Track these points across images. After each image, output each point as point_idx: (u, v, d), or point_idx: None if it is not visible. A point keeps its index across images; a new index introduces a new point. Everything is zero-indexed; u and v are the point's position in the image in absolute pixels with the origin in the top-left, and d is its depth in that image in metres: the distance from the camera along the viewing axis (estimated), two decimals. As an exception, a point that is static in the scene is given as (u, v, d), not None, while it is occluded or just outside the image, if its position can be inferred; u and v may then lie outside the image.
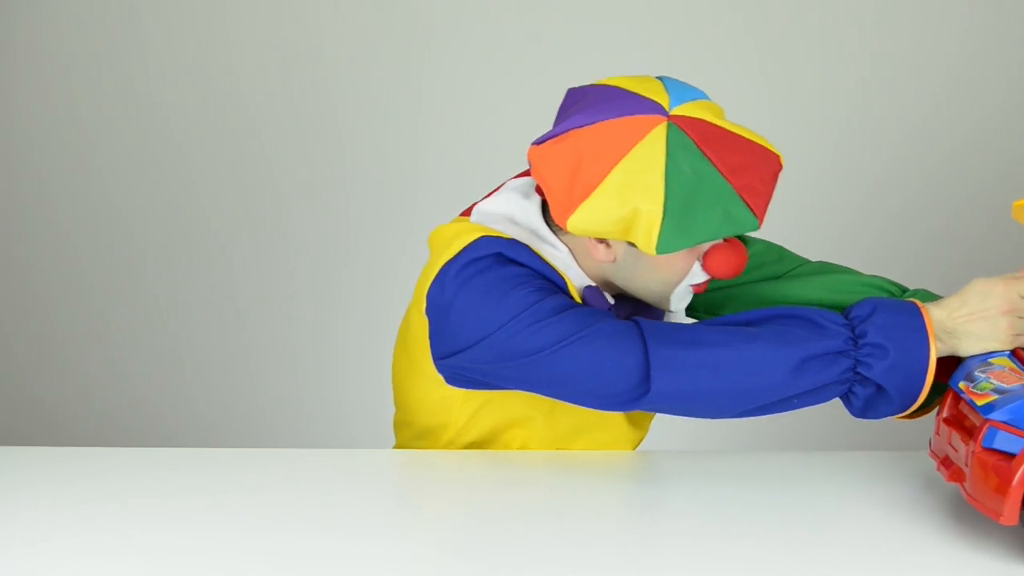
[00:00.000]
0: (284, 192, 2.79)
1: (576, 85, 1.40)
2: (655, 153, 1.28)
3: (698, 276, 1.35)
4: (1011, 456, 1.11)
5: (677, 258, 1.33)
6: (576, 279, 1.38)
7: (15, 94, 3.04)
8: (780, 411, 1.32)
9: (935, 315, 1.30)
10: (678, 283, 1.36)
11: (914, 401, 1.28)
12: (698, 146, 1.29)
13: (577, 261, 1.39)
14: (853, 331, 1.28)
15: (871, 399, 1.29)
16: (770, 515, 1.22)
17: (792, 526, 1.20)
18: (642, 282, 1.37)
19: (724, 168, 1.29)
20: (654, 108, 1.31)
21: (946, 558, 1.12)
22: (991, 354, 1.27)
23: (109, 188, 3.05)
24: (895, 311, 1.30)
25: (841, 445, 2.86)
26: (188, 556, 1.17)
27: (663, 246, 1.27)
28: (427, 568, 1.14)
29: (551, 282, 1.35)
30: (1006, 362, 1.24)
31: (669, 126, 1.30)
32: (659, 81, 1.36)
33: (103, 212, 3.04)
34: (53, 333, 3.14)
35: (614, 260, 1.36)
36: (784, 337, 1.28)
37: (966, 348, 1.29)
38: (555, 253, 1.38)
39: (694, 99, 1.34)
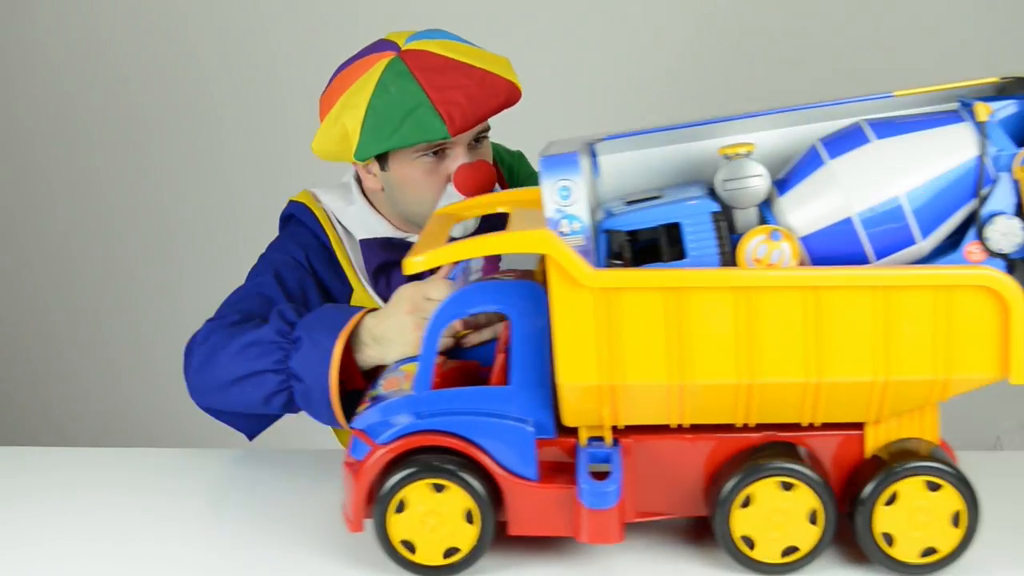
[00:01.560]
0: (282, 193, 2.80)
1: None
2: (370, 81, 1.44)
3: (453, 195, 1.44)
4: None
5: (419, 174, 1.45)
6: (364, 231, 1.52)
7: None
8: (236, 398, 1.37)
9: (367, 320, 1.32)
10: (435, 202, 1.45)
11: (327, 400, 1.30)
12: (411, 71, 1.43)
13: (378, 210, 1.53)
14: (292, 324, 1.34)
15: (305, 394, 1.32)
16: None
17: None
18: (406, 206, 1.49)
19: (428, 87, 1.41)
20: (388, 47, 1.48)
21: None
22: (409, 359, 1.25)
23: (106, 192, 3.03)
24: (336, 309, 1.36)
25: None
26: (188, 556, 1.17)
27: (360, 153, 1.43)
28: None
29: (318, 241, 1.52)
30: (412, 368, 1.21)
31: (392, 59, 1.45)
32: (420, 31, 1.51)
33: (102, 214, 3.02)
34: (53, 333, 3.13)
35: (381, 188, 1.50)
36: (247, 325, 1.38)
37: (390, 354, 1.29)
38: (348, 208, 1.54)
39: (433, 38, 1.49)
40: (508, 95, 1.46)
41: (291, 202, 1.57)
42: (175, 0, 2.94)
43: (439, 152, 1.45)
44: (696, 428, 1.11)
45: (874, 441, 1.10)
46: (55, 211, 3.07)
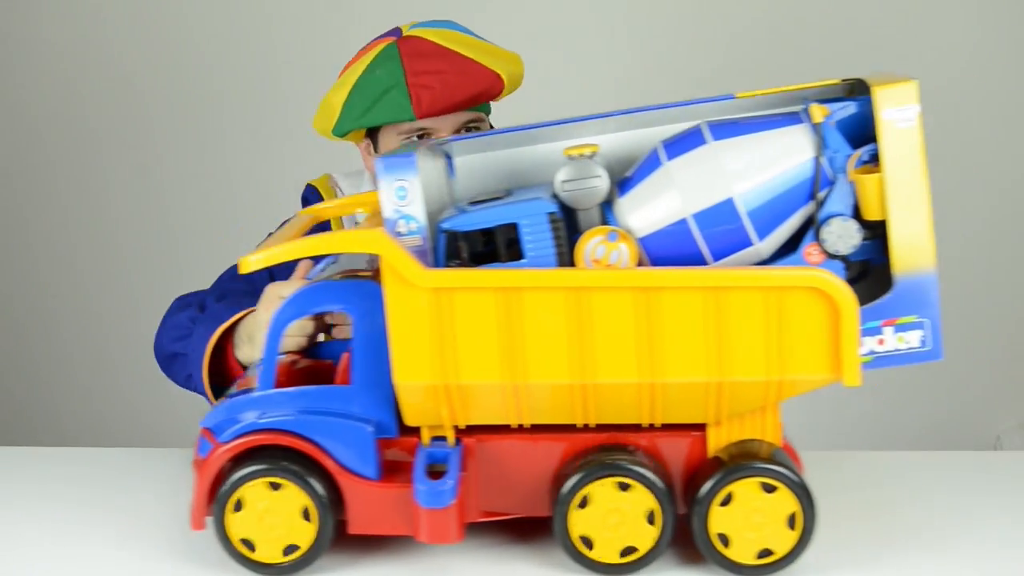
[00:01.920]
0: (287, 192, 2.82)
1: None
2: (364, 63, 1.50)
3: None
4: None
5: (391, 146, 1.51)
6: None
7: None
8: (175, 374, 1.47)
9: (246, 318, 1.35)
10: None
11: (203, 392, 1.37)
12: (400, 55, 1.48)
13: None
14: (202, 311, 1.42)
15: (197, 383, 1.38)
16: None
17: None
18: None
19: (409, 70, 1.47)
20: (393, 33, 1.54)
21: (948, 557, 1.12)
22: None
23: (109, 192, 3.05)
24: (235, 304, 1.40)
25: (841, 445, 2.88)
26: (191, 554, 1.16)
27: (336, 128, 1.51)
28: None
29: (322, 224, 1.52)
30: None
31: (389, 44, 1.50)
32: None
33: (104, 214, 3.04)
34: (54, 333, 3.14)
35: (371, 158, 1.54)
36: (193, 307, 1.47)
37: (257, 351, 1.30)
38: (362, 184, 1.60)
39: (436, 27, 1.53)
40: (488, 85, 1.48)
41: (307, 185, 1.65)
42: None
43: (423, 138, 1.48)
44: (539, 428, 1.12)
45: (715, 442, 1.10)
46: (56, 211, 3.09)
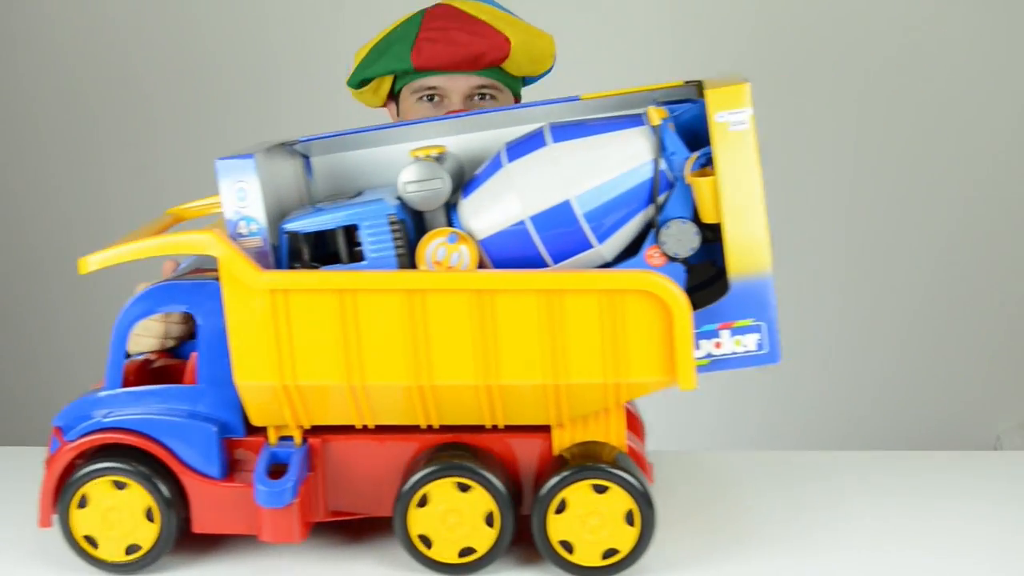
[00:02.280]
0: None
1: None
2: (393, 25, 1.54)
3: None
4: None
5: (407, 108, 1.54)
6: None
7: None
8: None
9: None
10: None
11: None
12: (423, 17, 1.52)
13: None
14: None
15: None
16: (771, 514, 1.22)
17: (792, 525, 1.20)
18: None
19: (423, 28, 1.50)
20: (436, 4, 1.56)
21: (948, 557, 1.12)
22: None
23: (110, 191, 3.07)
24: None
25: (841, 445, 2.89)
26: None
27: (351, 79, 1.55)
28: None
29: None
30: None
31: (423, 9, 1.53)
32: None
33: (106, 212, 3.05)
34: (55, 333, 3.15)
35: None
36: None
37: (136, 346, 1.27)
38: None
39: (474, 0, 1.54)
40: (492, 46, 1.48)
41: None
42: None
43: (435, 99, 1.51)
44: (387, 429, 1.12)
45: (560, 443, 1.11)
46: (57, 209, 3.11)
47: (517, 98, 1.61)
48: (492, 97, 1.54)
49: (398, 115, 1.59)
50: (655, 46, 2.99)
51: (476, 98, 1.52)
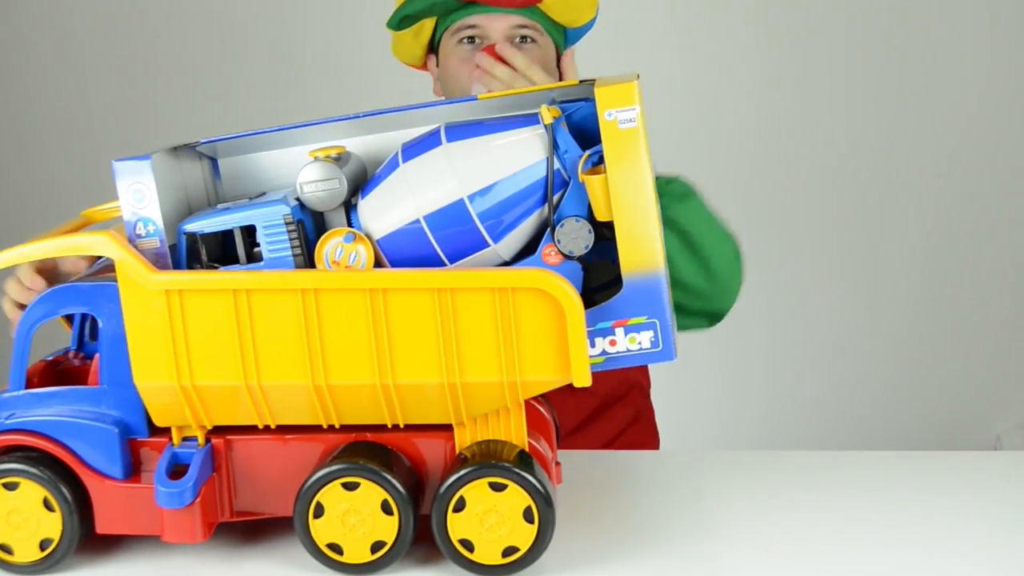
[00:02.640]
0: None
1: None
2: None
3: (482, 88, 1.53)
4: None
5: (455, 62, 1.56)
6: None
7: None
8: None
9: None
10: (468, 87, 1.55)
11: None
12: None
13: None
14: None
15: None
16: (768, 514, 1.22)
17: (791, 525, 1.19)
18: (450, 94, 1.60)
19: None
20: None
21: (948, 557, 1.12)
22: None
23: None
24: None
25: (841, 445, 2.89)
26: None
27: (391, 21, 1.55)
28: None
29: None
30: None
31: None
32: None
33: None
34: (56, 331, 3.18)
35: (437, 79, 1.62)
36: None
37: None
38: None
39: None
40: None
41: None
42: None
43: (474, 40, 1.54)
44: (291, 429, 1.12)
45: (461, 442, 1.11)
46: (57, 209, 3.12)
47: (559, 52, 1.61)
48: (532, 40, 1.55)
49: (438, 69, 1.60)
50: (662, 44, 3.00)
51: (517, 40, 1.54)
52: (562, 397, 1.30)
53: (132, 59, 3.12)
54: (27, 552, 1.11)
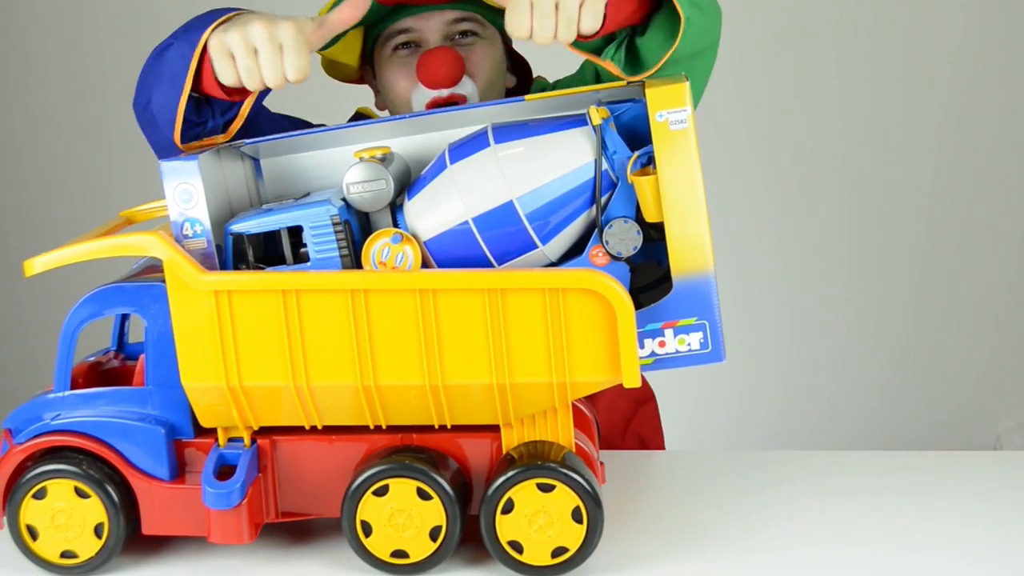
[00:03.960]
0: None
1: None
2: None
3: (425, 94, 1.39)
4: None
5: (392, 71, 1.42)
6: None
7: None
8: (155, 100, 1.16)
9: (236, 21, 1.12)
10: (410, 102, 1.41)
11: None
12: None
13: None
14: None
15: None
16: (767, 513, 1.22)
17: (790, 524, 1.19)
18: (392, 106, 1.46)
19: None
20: None
21: (948, 557, 1.11)
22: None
23: (115, 192, 3.08)
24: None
25: (841, 445, 2.89)
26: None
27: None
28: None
29: None
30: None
31: None
32: None
33: (109, 211, 3.07)
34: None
35: (378, 92, 1.49)
36: None
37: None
38: None
39: None
40: None
41: (356, 111, 1.55)
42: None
43: (409, 45, 1.41)
44: (337, 429, 1.12)
45: (508, 443, 1.11)
46: (60, 207, 3.12)
47: (508, 41, 1.47)
48: (474, 34, 1.40)
49: (376, 82, 1.47)
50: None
51: (457, 36, 1.40)
52: None
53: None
54: (87, 547, 1.10)
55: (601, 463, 1.19)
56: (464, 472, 1.11)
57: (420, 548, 1.08)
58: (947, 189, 3.05)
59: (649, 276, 1.12)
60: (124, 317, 1.26)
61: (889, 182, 3.05)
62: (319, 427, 1.11)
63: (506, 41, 1.51)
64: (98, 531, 1.10)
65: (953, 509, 1.22)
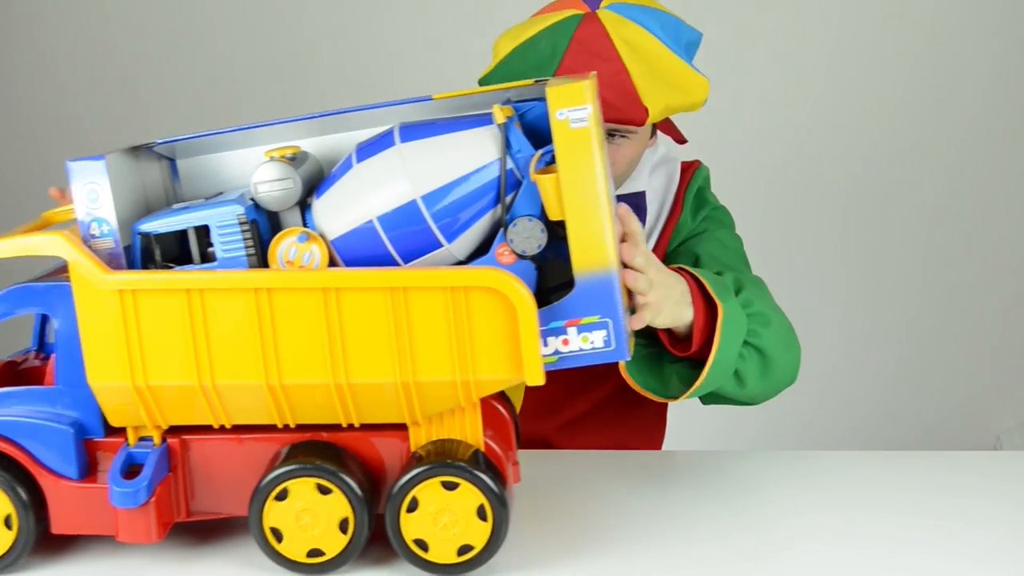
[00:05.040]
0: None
1: None
2: (538, 25, 1.39)
3: None
4: None
5: None
6: None
7: None
8: None
9: None
10: None
11: None
12: (572, 38, 1.36)
13: None
14: None
15: None
16: (766, 513, 1.23)
17: (789, 524, 1.20)
18: None
19: (565, 62, 1.35)
20: (592, 2, 1.39)
21: (948, 557, 1.12)
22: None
23: None
24: None
25: (842, 445, 2.88)
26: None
27: (484, 79, 1.40)
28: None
29: None
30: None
31: (575, 15, 1.38)
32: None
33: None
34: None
35: None
36: None
37: None
38: None
39: (636, 17, 1.38)
40: (625, 114, 1.33)
41: None
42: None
43: None
44: (245, 428, 1.12)
45: (416, 442, 1.11)
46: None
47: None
48: (623, 136, 1.39)
49: None
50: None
51: (607, 136, 1.38)
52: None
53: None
54: None
55: (515, 463, 1.19)
56: (374, 467, 1.12)
57: (333, 544, 1.08)
58: (947, 188, 3.04)
59: (562, 275, 1.12)
60: (45, 317, 1.26)
61: (889, 180, 3.04)
62: (228, 426, 1.12)
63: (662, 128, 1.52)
64: (8, 527, 1.10)
65: (953, 509, 1.22)
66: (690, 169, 1.56)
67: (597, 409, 1.59)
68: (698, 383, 1.26)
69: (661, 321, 1.21)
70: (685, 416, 2.81)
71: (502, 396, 1.26)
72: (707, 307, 1.26)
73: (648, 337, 1.34)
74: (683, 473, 1.35)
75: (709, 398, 1.39)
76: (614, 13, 1.37)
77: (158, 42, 3.10)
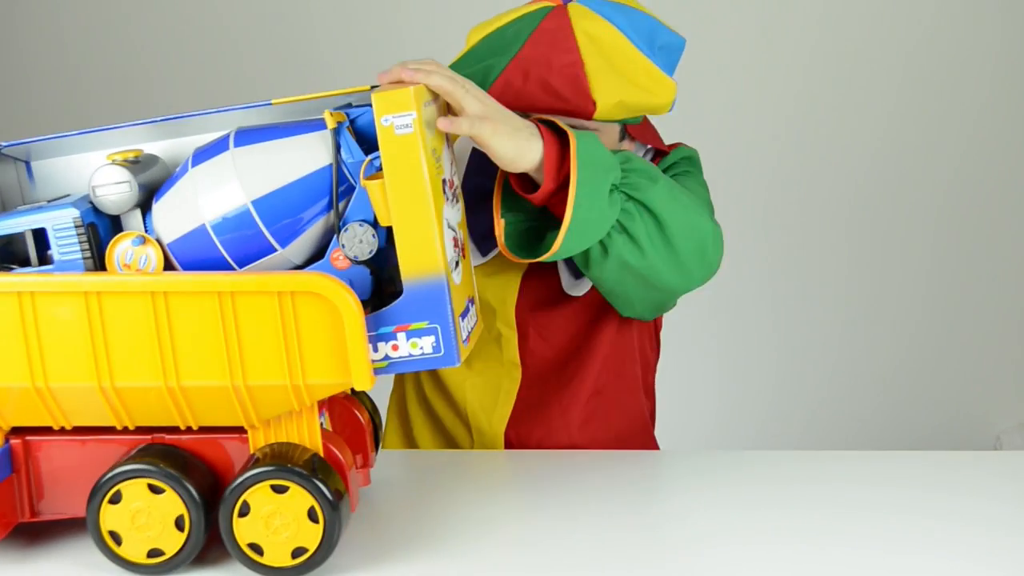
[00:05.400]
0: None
1: None
2: (517, 13, 1.39)
3: None
4: None
5: None
6: None
7: None
8: None
9: None
10: None
11: None
12: (536, 28, 1.35)
13: None
14: None
15: None
16: (765, 512, 1.22)
17: (788, 524, 1.20)
18: None
19: (524, 50, 1.34)
20: None
21: (948, 557, 1.12)
22: None
23: None
24: None
25: (842, 445, 2.89)
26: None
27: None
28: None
29: None
30: None
31: (545, 7, 1.38)
32: None
33: None
34: None
35: None
36: None
37: None
38: None
39: (607, 13, 1.36)
40: (573, 106, 1.32)
41: None
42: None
43: None
44: (89, 430, 1.13)
45: (255, 445, 1.11)
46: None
47: (624, 128, 1.44)
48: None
49: None
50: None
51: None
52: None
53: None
54: None
55: (364, 466, 1.19)
56: (220, 470, 1.12)
57: (171, 542, 1.09)
58: (947, 189, 3.03)
59: None
60: None
61: (889, 181, 3.04)
62: (68, 428, 1.12)
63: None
64: None
65: (953, 509, 1.22)
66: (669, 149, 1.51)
67: (585, 404, 1.56)
68: (564, 227, 1.20)
69: (501, 145, 1.17)
70: (685, 416, 2.81)
71: (362, 400, 1.27)
72: (560, 145, 1.21)
73: (530, 212, 1.32)
74: (683, 474, 1.34)
75: (617, 268, 1.29)
76: (583, 6, 1.36)
77: (139, 39, 3.12)
